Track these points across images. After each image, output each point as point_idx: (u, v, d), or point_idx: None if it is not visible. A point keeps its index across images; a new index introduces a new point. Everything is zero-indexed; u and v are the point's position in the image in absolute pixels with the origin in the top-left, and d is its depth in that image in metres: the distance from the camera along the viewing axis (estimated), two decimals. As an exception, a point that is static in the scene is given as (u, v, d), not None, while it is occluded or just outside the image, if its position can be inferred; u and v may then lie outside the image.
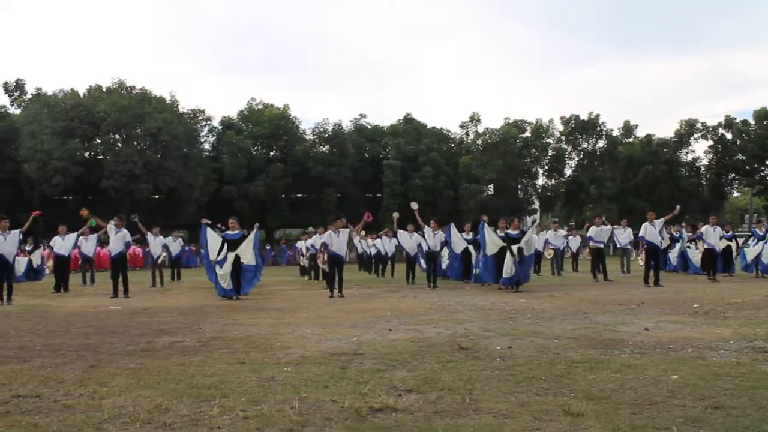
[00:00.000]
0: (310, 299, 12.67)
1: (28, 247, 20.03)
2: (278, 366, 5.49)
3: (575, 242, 21.77)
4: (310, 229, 24.41)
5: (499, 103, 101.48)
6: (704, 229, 16.91)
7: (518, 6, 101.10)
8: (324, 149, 45.06)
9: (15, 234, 12.69)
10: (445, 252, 17.37)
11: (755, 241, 17.51)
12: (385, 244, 20.94)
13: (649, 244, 14.50)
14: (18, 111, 42.90)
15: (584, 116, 45.47)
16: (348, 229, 13.87)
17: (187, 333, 7.72)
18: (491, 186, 45.64)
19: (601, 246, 17.28)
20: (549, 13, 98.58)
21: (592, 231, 17.38)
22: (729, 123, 44.83)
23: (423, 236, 16.08)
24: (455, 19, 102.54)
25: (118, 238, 13.82)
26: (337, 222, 13.76)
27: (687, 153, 46.09)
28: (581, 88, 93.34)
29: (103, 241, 20.94)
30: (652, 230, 14.54)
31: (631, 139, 46.21)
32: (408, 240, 17.08)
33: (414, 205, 15.72)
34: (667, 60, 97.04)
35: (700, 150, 48.33)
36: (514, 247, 13.64)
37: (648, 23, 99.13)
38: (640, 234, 14.87)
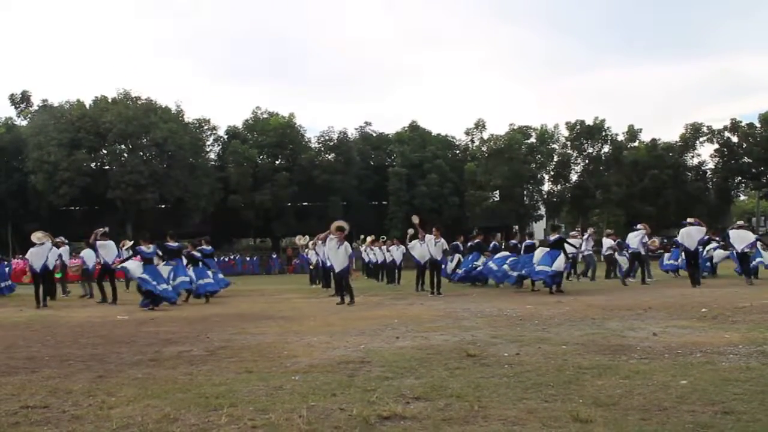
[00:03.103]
0: (317, 307, 12.67)
1: None
2: (286, 375, 5.49)
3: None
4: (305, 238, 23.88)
5: (503, 109, 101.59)
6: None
7: (522, 12, 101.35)
8: (329, 157, 45.16)
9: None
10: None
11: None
12: (393, 253, 21.13)
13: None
14: (24, 123, 43.31)
15: (589, 121, 45.47)
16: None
17: (194, 342, 7.72)
18: (497, 192, 45.67)
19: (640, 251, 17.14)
20: (553, 18, 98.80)
21: (607, 242, 17.63)
22: (735, 126, 44.74)
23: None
24: (459, 25, 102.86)
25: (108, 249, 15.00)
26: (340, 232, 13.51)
27: (693, 157, 46.09)
28: (586, 93, 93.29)
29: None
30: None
31: (635, 144, 46.15)
32: (418, 248, 17.20)
33: (415, 219, 16.39)
34: (671, 63, 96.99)
35: (705, 154, 48.29)
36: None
37: (652, 27, 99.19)
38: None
